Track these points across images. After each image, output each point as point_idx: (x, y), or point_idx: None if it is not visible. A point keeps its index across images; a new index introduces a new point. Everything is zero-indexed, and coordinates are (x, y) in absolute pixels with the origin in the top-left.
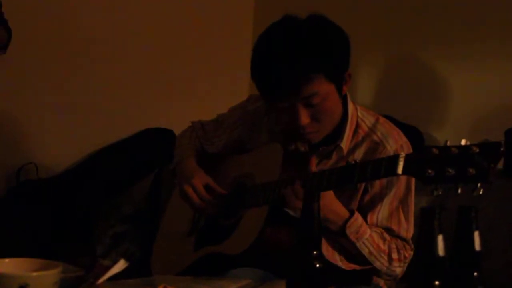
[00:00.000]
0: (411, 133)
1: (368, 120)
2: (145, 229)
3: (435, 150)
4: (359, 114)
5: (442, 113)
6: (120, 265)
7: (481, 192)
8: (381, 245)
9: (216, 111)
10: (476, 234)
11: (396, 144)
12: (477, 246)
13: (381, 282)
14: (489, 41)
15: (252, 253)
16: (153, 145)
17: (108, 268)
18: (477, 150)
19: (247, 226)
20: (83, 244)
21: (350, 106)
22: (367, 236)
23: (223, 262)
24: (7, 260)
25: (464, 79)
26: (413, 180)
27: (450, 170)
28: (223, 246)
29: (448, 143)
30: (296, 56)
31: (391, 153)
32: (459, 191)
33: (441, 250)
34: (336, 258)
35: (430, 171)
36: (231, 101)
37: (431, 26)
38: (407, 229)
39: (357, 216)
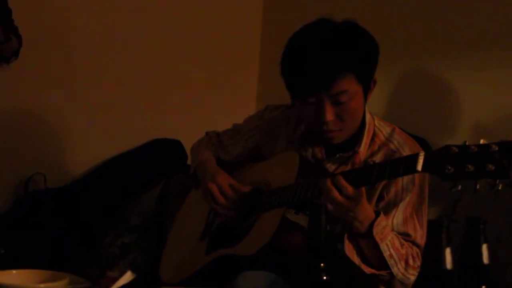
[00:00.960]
0: (420, 144)
1: (384, 130)
2: (153, 240)
3: (454, 149)
4: (376, 123)
5: (450, 124)
6: (127, 277)
7: (500, 188)
8: (401, 249)
9: (224, 121)
10: (485, 247)
11: (412, 152)
12: (485, 259)
13: None
14: (498, 51)
15: (264, 255)
16: (161, 155)
17: (115, 279)
18: (496, 148)
19: (260, 229)
20: (90, 254)
21: (368, 115)
22: (390, 238)
23: (235, 264)
24: (14, 271)
25: (473, 90)
26: (427, 187)
27: (469, 167)
28: (236, 248)
29: (467, 143)
30: (332, 52)
31: None
32: (478, 187)
33: (449, 263)
34: (358, 261)
35: (449, 168)
36: (239, 112)
37: (440, 36)
38: (422, 235)
39: (383, 217)
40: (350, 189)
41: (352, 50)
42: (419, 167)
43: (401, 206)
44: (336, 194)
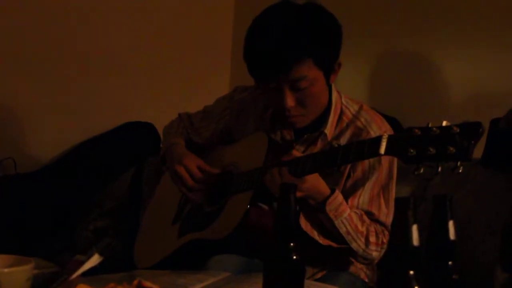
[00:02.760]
0: (391, 124)
1: (352, 107)
2: (127, 223)
3: (417, 131)
4: (343, 101)
5: (424, 104)
6: (94, 260)
7: (460, 171)
8: (359, 227)
9: (197, 104)
10: (451, 224)
11: (380, 129)
12: (452, 235)
13: (362, 274)
14: (473, 30)
15: (235, 238)
16: (134, 138)
17: (82, 263)
18: (458, 130)
19: (231, 211)
20: (64, 240)
21: (335, 94)
22: (346, 215)
23: (207, 247)
24: None
25: (448, 69)
26: (395, 167)
27: (431, 149)
28: (206, 232)
29: (430, 125)
30: (288, 38)
31: None
32: (439, 169)
33: (415, 240)
34: (314, 234)
35: (412, 151)
36: (212, 95)
37: (418, 16)
38: (387, 214)
39: (337, 194)
40: (288, 177)
41: (310, 35)
42: (382, 150)
43: (368, 185)
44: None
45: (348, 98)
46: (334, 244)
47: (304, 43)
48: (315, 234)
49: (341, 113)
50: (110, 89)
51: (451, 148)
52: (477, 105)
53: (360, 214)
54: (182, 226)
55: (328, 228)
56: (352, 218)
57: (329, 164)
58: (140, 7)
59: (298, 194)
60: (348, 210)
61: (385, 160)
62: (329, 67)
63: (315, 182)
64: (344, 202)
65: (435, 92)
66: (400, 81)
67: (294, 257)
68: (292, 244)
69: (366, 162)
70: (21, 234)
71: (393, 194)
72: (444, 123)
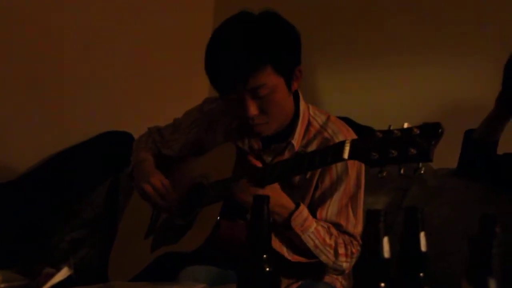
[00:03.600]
0: (367, 133)
1: (319, 118)
2: (104, 235)
3: (379, 134)
4: (311, 112)
5: (397, 113)
6: (64, 273)
7: (422, 172)
8: (327, 240)
9: (175, 114)
10: (422, 235)
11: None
12: (423, 247)
13: (338, 284)
14: (449, 37)
15: (206, 249)
16: (112, 148)
17: (52, 275)
18: (418, 131)
19: (202, 223)
20: (40, 251)
21: (302, 105)
22: (312, 229)
23: (179, 260)
24: None
25: (423, 77)
26: (363, 176)
27: (393, 152)
28: (178, 245)
29: (392, 127)
30: (244, 47)
31: None
32: (402, 171)
33: (386, 252)
34: (283, 250)
35: (374, 154)
36: (190, 104)
37: (392, 21)
38: (355, 224)
39: (303, 209)
40: (252, 189)
41: (267, 43)
42: (346, 155)
43: (336, 196)
44: (242, 195)
45: (316, 108)
46: (303, 260)
47: (261, 51)
48: (284, 251)
49: (309, 123)
50: (87, 98)
51: (412, 150)
52: (450, 116)
53: (327, 227)
54: (155, 239)
55: (296, 243)
56: (319, 231)
57: (296, 170)
58: (118, 17)
59: None
60: (315, 224)
61: (353, 170)
62: (289, 73)
63: (276, 196)
64: (310, 217)
65: (406, 101)
66: (373, 89)
67: (268, 268)
68: (265, 256)
69: (334, 172)
70: None
71: (361, 203)
72: (406, 125)
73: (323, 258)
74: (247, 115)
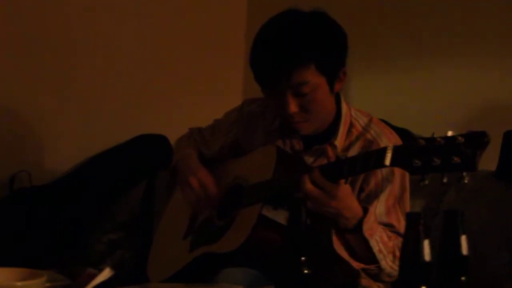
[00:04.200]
0: (403, 135)
1: (361, 120)
2: (139, 237)
3: (421, 141)
4: (353, 114)
5: (435, 115)
6: (106, 274)
7: (466, 181)
8: (388, 242)
9: (210, 116)
10: (463, 238)
11: (389, 142)
12: (464, 250)
13: (374, 286)
14: (485, 38)
15: (244, 251)
16: (147, 151)
17: (94, 276)
18: (462, 140)
19: (240, 224)
20: (77, 252)
21: (344, 106)
22: (378, 233)
23: (217, 261)
24: None
25: (459, 79)
26: (407, 178)
27: (436, 160)
28: (216, 245)
29: (435, 135)
30: (290, 43)
31: None
32: (445, 180)
33: (427, 255)
34: (347, 256)
35: (417, 161)
36: (224, 106)
37: (424, 26)
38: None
39: (371, 212)
40: (325, 183)
41: (313, 41)
42: (387, 162)
43: (382, 196)
44: (310, 187)
45: (358, 110)
46: (364, 266)
47: (306, 48)
48: (346, 256)
49: (351, 125)
50: (124, 101)
51: (456, 158)
52: (489, 117)
53: (385, 230)
54: (193, 240)
55: (355, 249)
56: (383, 235)
57: (335, 176)
58: (153, 21)
59: (330, 209)
60: (379, 228)
61: (398, 172)
62: (333, 74)
63: (348, 197)
64: (376, 221)
65: (443, 103)
66: (408, 93)
67: (306, 271)
68: (303, 258)
69: (379, 174)
70: (35, 247)
71: (407, 206)
72: (449, 133)
73: (383, 263)
74: (287, 111)
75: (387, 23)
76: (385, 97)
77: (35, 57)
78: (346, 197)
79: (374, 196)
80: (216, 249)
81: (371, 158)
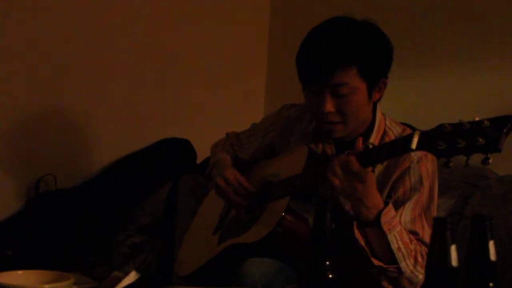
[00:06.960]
0: None
1: (395, 129)
2: (162, 240)
3: (448, 126)
4: (387, 123)
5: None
6: (132, 277)
7: (490, 161)
8: (409, 244)
9: (232, 120)
10: (491, 244)
11: (421, 153)
12: (492, 256)
13: None
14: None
15: (270, 242)
16: (170, 154)
17: (120, 279)
18: (488, 124)
19: (267, 217)
20: (101, 255)
21: (379, 114)
22: (398, 229)
23: (243, 252)
24: (20, 272)
25: (480, 83)
26: (436, 188)
27: (460, 141)
28: (242, 236)
29: (461, 121)
30: (336, 44)
31: (415, 160)
32: (468, 162)
33: (454, 260)
34: (367, 252)
35: (441, 144)
36: (246, 111)
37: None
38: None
39: (391, 207)
40: (356, 164)
41: (359, 45)
42: (414, 145)
43: (409, 205)
44: (339, 169)
45: (392, 120)
46: (384, 265)
47: (351, 51)
48: (367, 252)
49: (384, 133)
50: (148, 105)
51: (481, 139)
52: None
53: (408, 232)
54: (222, 234)
55: (375, 247)
56: (403, 234)
57: (363, 162)
58: (179, 28)
59: (355, 194)
60: (400, 226)
61: (426, 181)
62: (373, 81)
63: (372, 185)
64: (397, 217)
65: (467, 107)
66: (432, 96)
67: (330, 275)
68: (328, 262)
69: (408, 182)
70: (60, 249)
71: (434, 216)
72: (476, 119)
73: (402, 264)
74: (323, 110)
75: (415, 29)
76: (410, 103)
77: (65, 61)
78: (372, 184)
79: (401, 203)
80: (242, 240)
81: (398, 143)
